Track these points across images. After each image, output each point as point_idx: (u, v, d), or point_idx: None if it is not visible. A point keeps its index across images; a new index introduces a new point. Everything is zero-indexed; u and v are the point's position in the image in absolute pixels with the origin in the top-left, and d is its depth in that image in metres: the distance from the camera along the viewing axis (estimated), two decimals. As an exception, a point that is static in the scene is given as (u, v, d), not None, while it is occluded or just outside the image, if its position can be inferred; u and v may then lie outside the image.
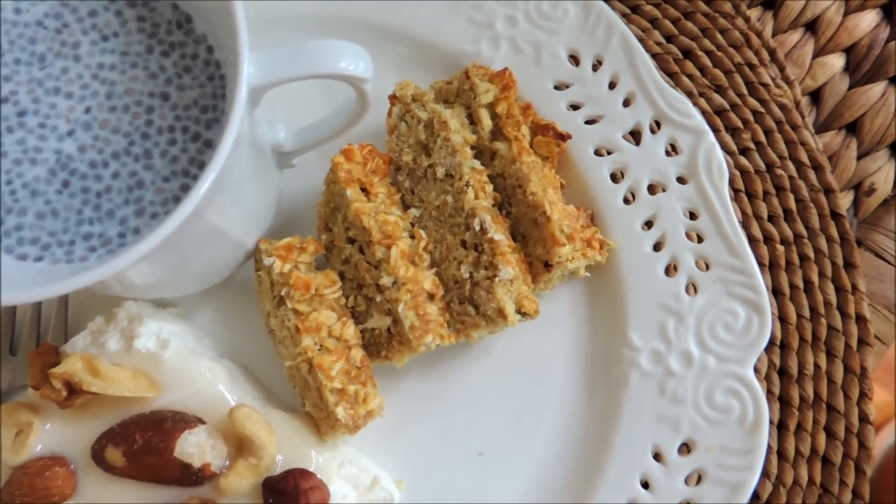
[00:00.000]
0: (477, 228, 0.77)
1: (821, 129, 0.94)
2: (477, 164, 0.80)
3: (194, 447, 0.71)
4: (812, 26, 0.96)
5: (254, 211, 0.76)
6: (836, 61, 0.95)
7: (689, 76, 0.90)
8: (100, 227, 0.63)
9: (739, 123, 0.88)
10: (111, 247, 0.63)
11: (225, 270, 0.80)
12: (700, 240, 0.82)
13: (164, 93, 0.63)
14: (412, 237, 0.79)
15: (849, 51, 0.96)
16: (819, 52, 0.96)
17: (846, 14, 0.96)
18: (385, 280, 0.75)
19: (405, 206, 0.82)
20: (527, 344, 0.84)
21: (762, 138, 0.88)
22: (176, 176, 0.64)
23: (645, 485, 0.78)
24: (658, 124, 0.83)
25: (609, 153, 0.84)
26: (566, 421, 0.82)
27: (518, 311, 0.77)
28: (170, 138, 0.63)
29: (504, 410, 0.83)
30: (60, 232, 0.63)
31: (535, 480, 0.81)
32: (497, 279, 0.76)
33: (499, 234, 0.77)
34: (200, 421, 0.73)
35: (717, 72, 0.90)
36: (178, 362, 0.76)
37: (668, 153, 0.83)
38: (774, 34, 0.96)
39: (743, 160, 0.88)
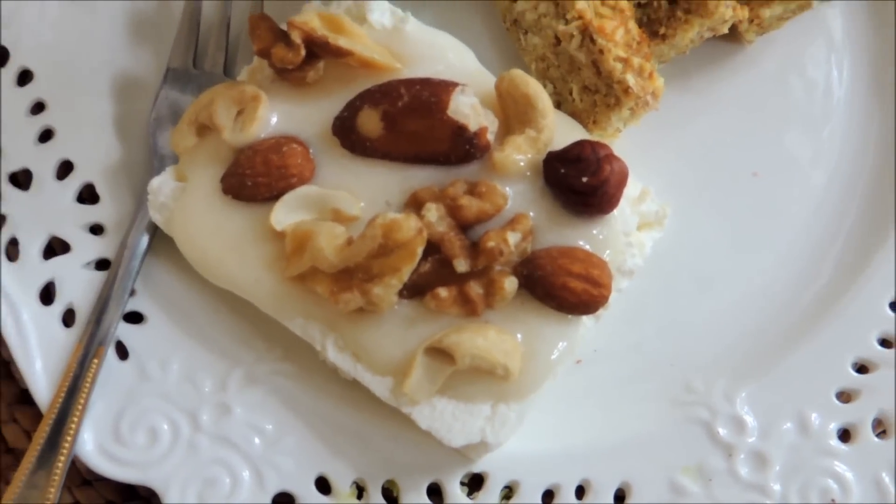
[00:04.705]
0: None
1: None
2: None
3: (468, 107, 0.58)
4: None
5: None
6: None
7: None
8: None
9: None
10: None
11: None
12: None
13: None
14: None
15: None
16: None
17: None
18: (670, -64, 0.63)
19: None
20: (803, 49, 0.72)
21: None
22: None
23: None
24: None
25: None
26: (855, 132, 0.71)
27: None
28: None
29: (778, 126, 0.71)
30: None
31: (826, 198, 0.69)
32: (801, -62, 0.63)
33: None
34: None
35: None
36: (423, 34, 0.64)
37: None
38: None
39: None
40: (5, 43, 0.69)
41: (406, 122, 0.58)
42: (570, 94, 0.65)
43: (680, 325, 0.66)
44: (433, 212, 0.56)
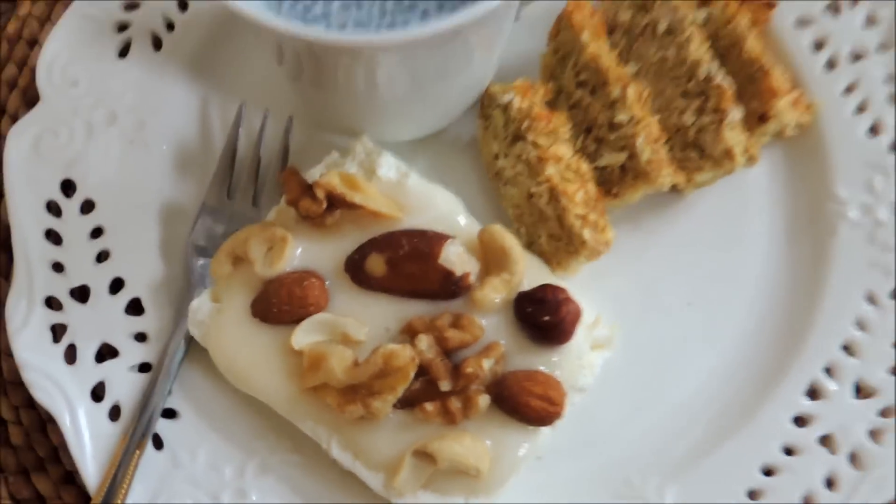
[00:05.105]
0: (702, 77, 0.81)
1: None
2: (701, 16, 0.83)
3: (456, 257, 0.73)
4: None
5: (496, 52, 0.79)
6: None
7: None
8: (402, 17, 0.66)
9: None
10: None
11: (455, 110, 0.83)
12: (900, 104, 0.86)
13: None
14: (629, 90, 0.82)
15: None
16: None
17: None
18: (622, 117, 0.79)
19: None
20: (731, 201, 0.87)
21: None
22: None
23: (859, 326, 0.81)
24: (855, -1, 0.88)
25: (810, 24, 0.88)
26: (772, 273, 0.84)
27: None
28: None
29: (710, 264, 0.85)
30: (365, 21, 0.66)
31: (745, 329, 0.83)
32: (725, 122, 0.79)
33: (725, 80, 0.80)
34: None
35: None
36: (421, 188, 0.78)
37: (867, 24, 0.87)
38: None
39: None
40: (74, 177, 0.83)
41: (405, 266, 0.73)
42: (539, 238, 0.80)
43: (622, 431, 0.79)
44: (424, 342, 0.70)
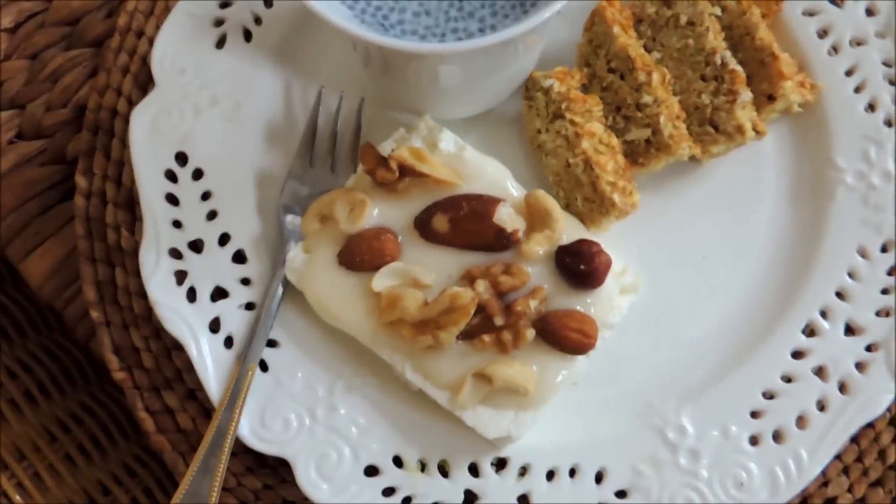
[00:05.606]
0: (718, 63, 0.94)
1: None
2: (718, 11, 0.96)
3: (507, 216, 0.88)
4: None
5: (539, 48, 0.94)
6: None
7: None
8: (463, 24, 0.80)
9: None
10: (475, 37, 0.80)
11: (503, 93, 0.97)
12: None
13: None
14: (656, 74, 0.95)
15: None
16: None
17: None
18: (647, 99, 0.92)
19: (647, 51, 0.98)
20: (743, 169, 1.00)
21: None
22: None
23: (851, 276, 0.95)
24: (858, -9, 1.00)
25: (815, 14, 1.01)
26: (777, 230, 0.98)
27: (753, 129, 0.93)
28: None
29: (724, 223, 0.99)
30: (433, 26, 0.81)
31: (753, 277, 0.97)
32: (738, 101, 0.93)
33: (738, 66, 0.94)
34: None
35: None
36: (476, 159, 0.93)
37: (868, 14, 1.00)
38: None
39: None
40: (186, 150, 0.99)
41: (465, 224, 0.88)
42: (576, 200, 0.94)
43: (645, 361, 0.94)
44: (481, 285, 0.85)
